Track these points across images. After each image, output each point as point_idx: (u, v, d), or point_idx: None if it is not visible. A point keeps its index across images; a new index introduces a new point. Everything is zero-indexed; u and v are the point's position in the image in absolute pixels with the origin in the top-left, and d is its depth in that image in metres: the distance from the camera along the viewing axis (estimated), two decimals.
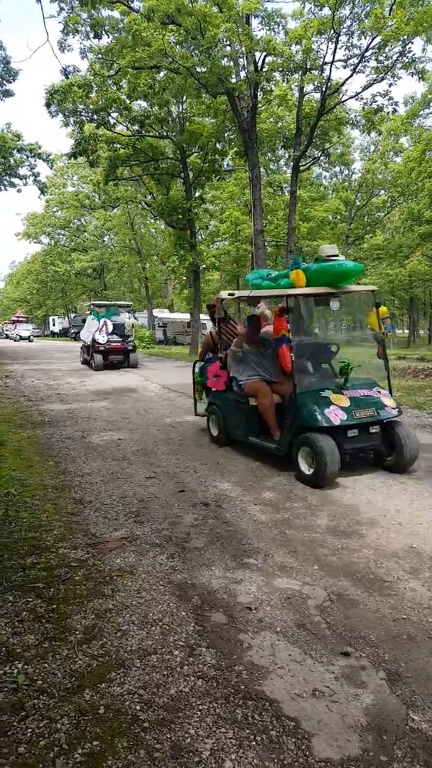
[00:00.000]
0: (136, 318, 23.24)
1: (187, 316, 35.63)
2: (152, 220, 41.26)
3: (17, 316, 49.59)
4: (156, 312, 43.36)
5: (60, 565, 3.71)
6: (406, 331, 62.92)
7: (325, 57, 17.68)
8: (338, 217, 40.43)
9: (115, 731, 2.26)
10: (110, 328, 17.21)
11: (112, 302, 21.49)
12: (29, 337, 43.52)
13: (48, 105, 17.46)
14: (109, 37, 17.15)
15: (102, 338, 17.11)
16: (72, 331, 47.80)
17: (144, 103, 20.03)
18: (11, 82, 22.18)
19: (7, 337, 46.66)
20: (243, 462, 6.46)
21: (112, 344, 17.51)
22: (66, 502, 4.99)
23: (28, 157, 24.96)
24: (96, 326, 17.24)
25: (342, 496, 5.19)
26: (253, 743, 2.21)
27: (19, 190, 26.21)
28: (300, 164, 20.72)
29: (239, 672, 2.63)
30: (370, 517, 4.63)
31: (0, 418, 8.99)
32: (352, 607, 3.22)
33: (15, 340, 42.38)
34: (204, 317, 41.19)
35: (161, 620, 3.07)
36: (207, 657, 2.74)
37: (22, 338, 42.75)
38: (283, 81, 19.41)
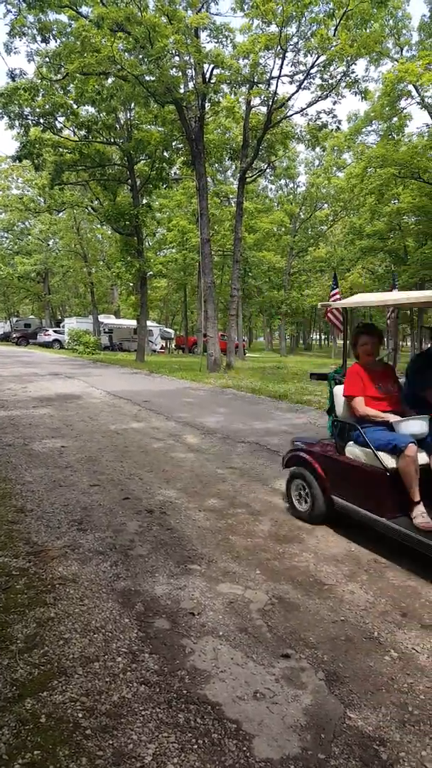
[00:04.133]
0: None
1: (133, 323, 35.32)
2: (99, 225, 40.89)
3: None
4: (102, 318, 42.76)
5: (0, 575, 3.63)
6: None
7: (272, 72, 18.22)
8: (283, 229, 41.36)
9: (57, 740, 2.24)
10: None
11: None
12: None
13: None
14: (56, 41, 17.01)
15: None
16: (14, 335, 46.36)
17: (92, 109, 19.93)
18: None
19: None
20: (188, 469, 6.49)
21: None
22: (6, 511, 4.88)
23: None
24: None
25: (284, 502, 5.29)
26: (195, 746, 2.23)
27: None
28: (246, 176, 21.13)
29: (182, 677, 2.65)
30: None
31: None
32: (292, 610, 3.29)
33: None
34: (151, 324, 41.03)
35: (104, 627, 3.05)
36: (150, 663, 2.75)
37: None
38: (231, 93, 19.78)
